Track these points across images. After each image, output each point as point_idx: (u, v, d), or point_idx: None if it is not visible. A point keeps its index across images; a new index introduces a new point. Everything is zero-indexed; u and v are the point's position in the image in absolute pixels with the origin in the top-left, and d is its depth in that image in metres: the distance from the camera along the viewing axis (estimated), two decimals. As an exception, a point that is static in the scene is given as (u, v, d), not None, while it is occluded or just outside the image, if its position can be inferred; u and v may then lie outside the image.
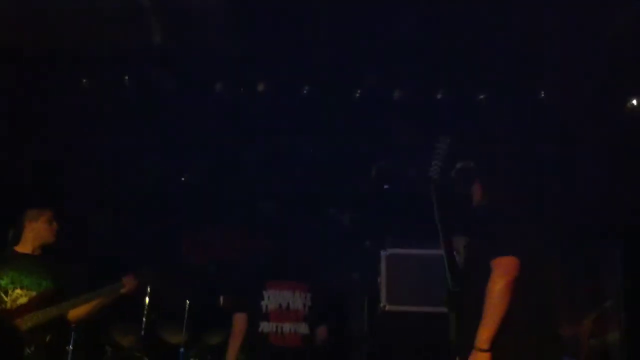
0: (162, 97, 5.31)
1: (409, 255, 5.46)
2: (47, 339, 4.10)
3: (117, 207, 6.62)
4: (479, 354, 2.88)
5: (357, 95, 5.14)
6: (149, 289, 5.91)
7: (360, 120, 5.45)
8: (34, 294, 4.09)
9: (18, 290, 4.05)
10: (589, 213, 5.74)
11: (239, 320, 4.16)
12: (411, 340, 5.23)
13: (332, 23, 4.57)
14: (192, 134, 5.84)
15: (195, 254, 6.90)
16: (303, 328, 4.09)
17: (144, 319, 5.90)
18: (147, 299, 5.93)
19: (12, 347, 1.05)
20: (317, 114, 5.39)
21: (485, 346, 2.88)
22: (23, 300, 4.04)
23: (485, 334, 2.89)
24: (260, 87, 5.11)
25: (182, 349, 5.91)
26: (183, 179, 6.38)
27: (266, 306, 4.09)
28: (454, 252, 3.35)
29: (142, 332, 5.90)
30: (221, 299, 6.02)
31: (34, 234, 4.27)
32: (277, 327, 4.04)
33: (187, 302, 6.00)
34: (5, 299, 4.01)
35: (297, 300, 4.12)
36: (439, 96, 5.15)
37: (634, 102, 5.18)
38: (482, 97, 5.23)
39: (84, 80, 5.18)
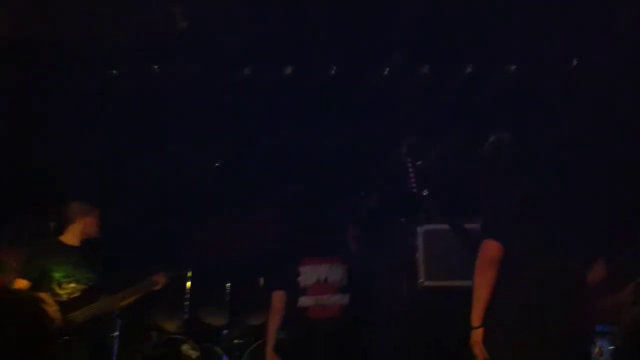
0: (186, 84, 5.32)
1: (445, 231, 5.44)
2: (94, 328, 4.25)
3: (145, 196, 6.66)
4: (472, 332, 3.07)
5: (385, 73, 5.11)
6: (189, 274, 6.02)
7: (387, 99, 5.43)
8: (84, 287, 4.21)
9: (73, 284, 4.16)
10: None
11: (277, 298, 4.20)
12: (451, 315, 5.23)
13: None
14: (218, 119, 5.87)
15: (228, 238, 6.96)
16: (342, 299, 4.10)
17: (186, 304, 6.01)
18: (188, 284, 6.04)
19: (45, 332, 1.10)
20: (345, 94, 5.38)
21: (476, 324, 3.07)
22: (77, 293, 4.16)
23: (474, 312, 3.09)
24: (288, 70, 5.11)
25: (225, 331, 6.02)
26: (216, 164, 6.38)
27: (303, 282, 4.12)
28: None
29: (185, 317, 6.01)
30: (261, 279, 6.12)
31: (83, 228, 4.37)
32: (316, 299, 4.07)
33: (228, 284, 6.10)
34: (60, 291, 4.11)
35: (334, 272, 4.14)
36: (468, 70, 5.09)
37: None
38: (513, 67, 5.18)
39: (114, 72, 5.23)
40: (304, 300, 4.10)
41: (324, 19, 4.64)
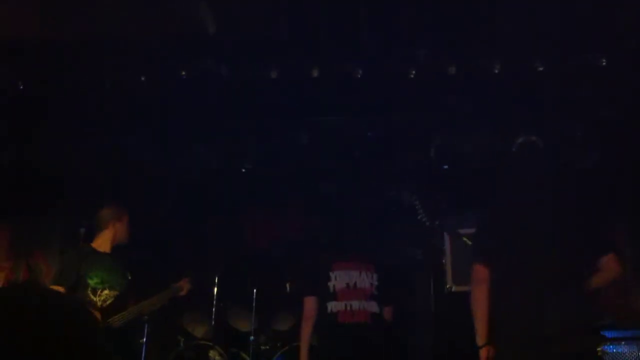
0: (214, 84, 5.32)
1: (472, 236, 5.40)
2: (125, 334, 4.27)
3: (171, 199, 6.65)
4: (479, 350, 3.24)
5: (413, 73, 5.07)
6: (216, 279, 6.02)
7: (417, 98, 5.40)
8: (117, 293, 4.23)
9: (107, 291, 4.17)
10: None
11: (309, 303, 4.16)
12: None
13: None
14: (246, 120, 5.87)
15: (258, 239, 6.95)
16: (372, 306, 4.08)
17: (213, 309, 6.01)
18: (215, 289, 6.04)
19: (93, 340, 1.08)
20: (374, 93, 5.36)
21: (480, 343, 3.24)
22: (110, 300, 4.17)
23: (477, 332, 3.26)
24: (315, 71, 5.10)
25: (252, 337, 6.01)
26: (244, 170, 6.35)
27: (333, 286, 4.09)
28: None
29: (213, 322, 6.02)
30: (288, 284, 6.09)
31: (115, 234, 4.38)
32: (345, 305, 4.04)
33: (255, 289, 6.08)
34: (94, 298, 4.11)
35: (364, 279, 4.11)
36: (496, 70, 5.04)
37: None
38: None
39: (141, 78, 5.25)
40: (333, 305, 4.07)
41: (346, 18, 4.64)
